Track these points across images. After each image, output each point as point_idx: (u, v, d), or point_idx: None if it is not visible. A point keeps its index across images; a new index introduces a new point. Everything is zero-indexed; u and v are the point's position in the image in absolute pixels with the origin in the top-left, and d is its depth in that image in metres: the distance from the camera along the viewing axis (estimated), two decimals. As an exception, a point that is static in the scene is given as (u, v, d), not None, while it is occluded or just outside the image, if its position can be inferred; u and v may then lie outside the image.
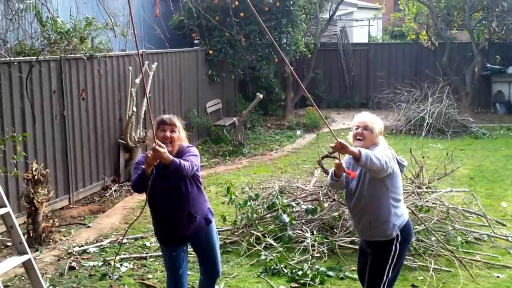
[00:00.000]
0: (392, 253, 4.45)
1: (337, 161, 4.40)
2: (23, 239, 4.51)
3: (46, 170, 7.45)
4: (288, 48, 15.26)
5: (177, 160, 4.16)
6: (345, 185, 4.61)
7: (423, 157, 8.85)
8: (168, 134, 4.39)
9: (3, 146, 7.16)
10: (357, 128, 4.48)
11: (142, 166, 4.19)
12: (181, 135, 4.50)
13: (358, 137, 4.46)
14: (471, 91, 16.86)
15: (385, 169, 4.16)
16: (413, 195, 7.38)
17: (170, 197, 4.44)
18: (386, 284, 4.47)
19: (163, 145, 4.10)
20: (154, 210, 4.59)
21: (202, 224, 4.63)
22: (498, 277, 6.06)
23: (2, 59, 7.43)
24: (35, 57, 7.90)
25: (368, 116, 4.54)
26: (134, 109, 9.96)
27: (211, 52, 13.81)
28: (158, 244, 6.83)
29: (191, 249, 4.91)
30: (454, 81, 16.70)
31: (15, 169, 7.35)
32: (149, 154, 4.06)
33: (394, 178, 4.41)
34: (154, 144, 4.01)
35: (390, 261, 4.46)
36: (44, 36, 8.51)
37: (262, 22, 5.31)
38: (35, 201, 6.96)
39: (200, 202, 4.61)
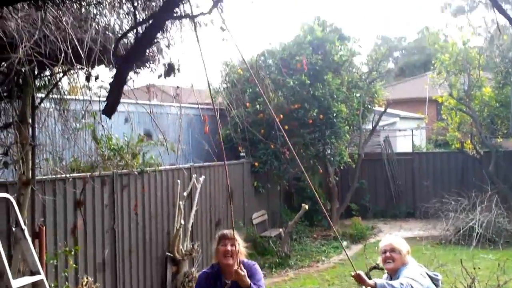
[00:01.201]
0: None
1: None
2: None
3: (96, 284, 7.56)
4: (332, 158, 15.49)
5: (254, 286, 4.42)
6: None
7: (474, 269, 8.63)
8: (229, 248, 4.60)
9: (55, 260, 7.36)
10: (384, 252, 4.64)
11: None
12: (241, 249, 4.73)
13: (388, 260, 4.62)
14: (521, 200, 16.51)
15: None
16: (466, 309, 7.18)
17: None
18: None
19: (244, 270, 4.39)
20: None
21: None
22: None
23: (58, 176, 7.78)
24: (89, 174, 8.26)
25: (393, 239, 4.79)
26: (182, 221, 10.14)
27: (256, 164, 14.13)
28: None
29: None
30: (502, 190, 16.44)
31: (66, 283, 7.49)
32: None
33: None
34: (236, 267, 4.39)
35: None
36: (98, 153, 8.92)
37: (291, 136, 5.52)
38: (84, 315, 7.03)
39: None
